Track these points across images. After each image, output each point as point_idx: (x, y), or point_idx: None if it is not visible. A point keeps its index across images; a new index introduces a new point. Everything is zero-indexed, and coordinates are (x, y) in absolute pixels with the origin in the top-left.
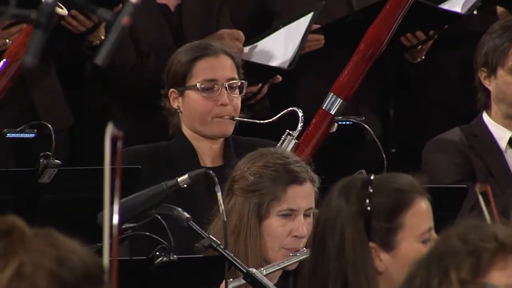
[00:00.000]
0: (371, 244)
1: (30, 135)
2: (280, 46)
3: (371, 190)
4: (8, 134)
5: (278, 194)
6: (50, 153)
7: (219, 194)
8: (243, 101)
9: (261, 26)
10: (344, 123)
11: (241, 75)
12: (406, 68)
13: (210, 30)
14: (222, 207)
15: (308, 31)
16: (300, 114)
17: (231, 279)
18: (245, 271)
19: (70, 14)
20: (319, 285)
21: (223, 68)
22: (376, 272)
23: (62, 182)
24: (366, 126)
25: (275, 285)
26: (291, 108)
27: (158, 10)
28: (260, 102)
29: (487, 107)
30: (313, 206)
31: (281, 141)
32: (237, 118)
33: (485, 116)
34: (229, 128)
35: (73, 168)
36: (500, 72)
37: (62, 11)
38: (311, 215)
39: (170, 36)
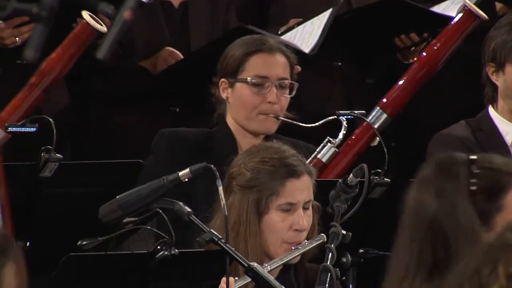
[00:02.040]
0: None
1: (32, 129)
2: (301, 39)
3: (476, 170)
4: (9, 128)
5: (276, 188)
6: (51, 147)
7: (220, 188)
8: None
9: (266, 25)
10: (347, 117)
11: (294, 75)
12: (396, 67)
13: (217, 29)
14: (223, 201)
15: (329, 24)
16: (344, 122)
17: (236, 278)
18: (246, 265)
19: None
20: (426, 263)
21: (276, 66)
22: None
23: (63, 176)
24: (367, 120)
25: (276, 279)
26: (336, 116)
27: (160, 6)
28: None
29: (493, 102)
30: (312, 199)
31: (320, 147)
32: (281, 118)
33: (491, 110)
34: (273, 127)
35: (74, 162)
36: (509, 68)
37: (102, 28)
38: (310, 207)
39: (168, 33)
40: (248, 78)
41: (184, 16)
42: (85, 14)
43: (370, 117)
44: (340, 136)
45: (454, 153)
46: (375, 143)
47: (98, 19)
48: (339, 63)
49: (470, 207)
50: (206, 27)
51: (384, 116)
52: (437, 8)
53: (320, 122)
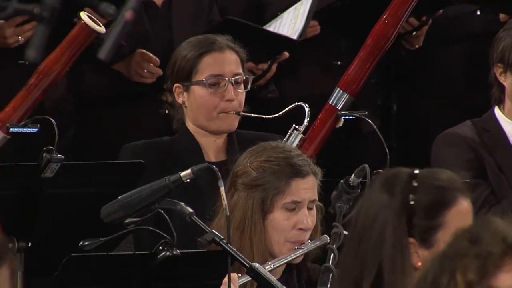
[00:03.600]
0: (410, 240)
1: (33, 129)
2: (286, 26)
3: (416, 184)
4: (11, 129)
5: (281, 187)
6: (53, 148)
7: (222, 188)
8: (254, 80)
9: (253, 19)
10: (347, 117)
11: (245, 70)
12: (404, 55)
13: (201, 28)
14: (225, 202)
15: (313, 7)
16: (307, 109)
17: (239, 275)
18: (248, 266)
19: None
20: (352, 277)
21: (229, 63)
22: (413, 268)
23: (65, 177)
24: (369, 120)
25: (278, 279)
26: (297, 103)
27: (141, 5)
28: (267, 86)
29: (500, 103)
30: (316, 198)
31: (287, 136)
32: (242, 113)
33: (497, 111)
34: (234, 123)
35: (76, 163)
36: None
37: (100, 28)
38: (314, 208)
39: (151, 31)
40: (203, 79)
41: (168, 14)
42: (83, 15)
43: (332, 99)
44: (305, 122)
45: (401, 168)
46: (340, 124)
47: (96, 20)
48: (339, 62)
49: (403, 222)
50: (190, 24)
51: (346, 95)
52: None
53: (282, 112)
